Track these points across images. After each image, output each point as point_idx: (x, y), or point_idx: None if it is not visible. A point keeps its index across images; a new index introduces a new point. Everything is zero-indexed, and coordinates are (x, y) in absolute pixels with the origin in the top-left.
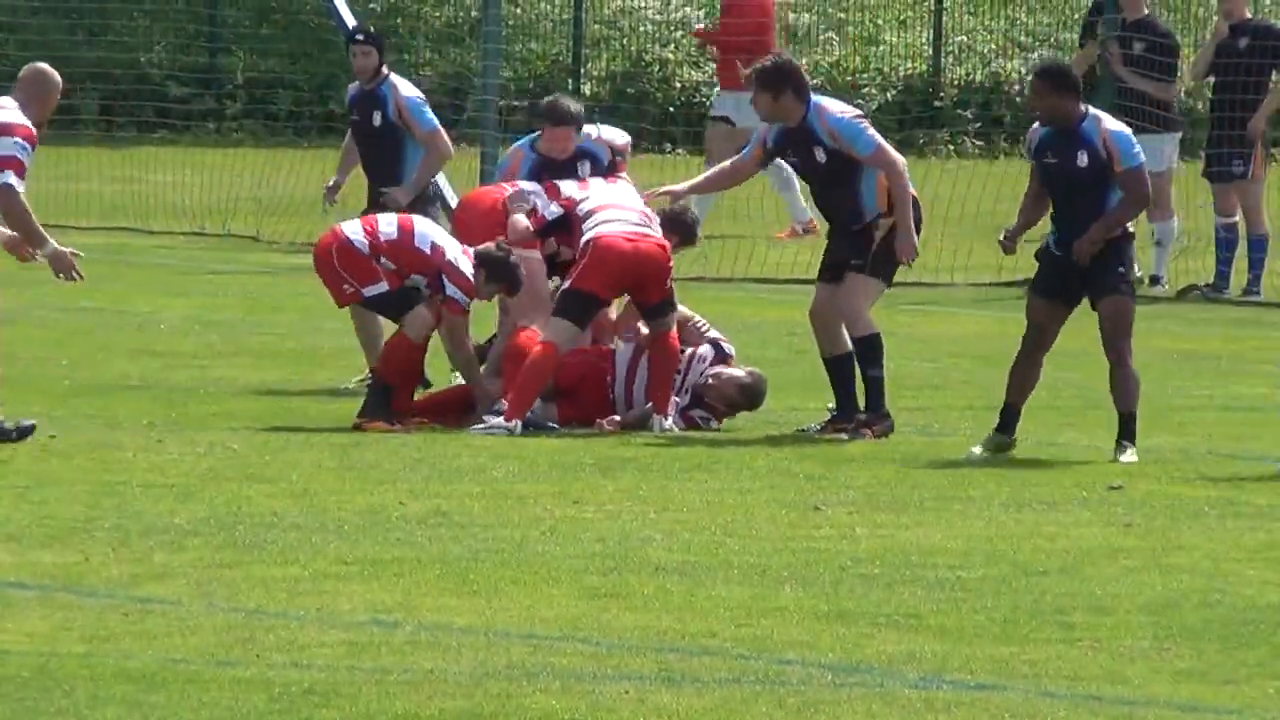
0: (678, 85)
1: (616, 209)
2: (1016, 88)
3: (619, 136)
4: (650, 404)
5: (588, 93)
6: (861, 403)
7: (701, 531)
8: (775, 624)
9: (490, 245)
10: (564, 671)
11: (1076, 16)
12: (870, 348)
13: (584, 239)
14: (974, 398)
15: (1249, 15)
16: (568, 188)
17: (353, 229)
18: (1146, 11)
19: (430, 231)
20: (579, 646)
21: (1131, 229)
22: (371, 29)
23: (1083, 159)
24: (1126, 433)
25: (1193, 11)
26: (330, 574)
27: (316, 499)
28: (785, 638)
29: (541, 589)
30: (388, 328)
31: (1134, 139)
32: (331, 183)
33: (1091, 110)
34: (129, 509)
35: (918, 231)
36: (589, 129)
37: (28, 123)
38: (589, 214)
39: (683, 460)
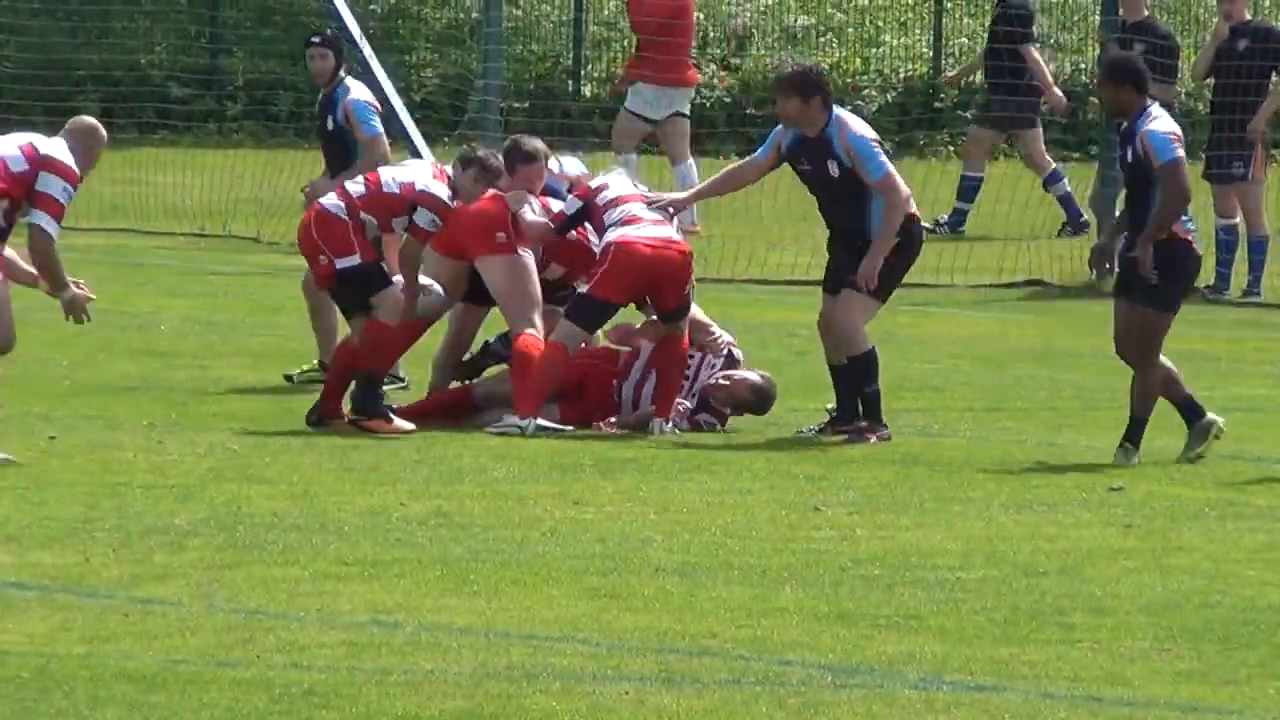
0: None
1: (639, 203)
2: None
3: (575, 167)
4: (652, 407)
5: (588, 94)
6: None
7: (701, 532)
8: (775, 625)
9: (468, 148)
10: (564, 672)
11: (1075, 19)
12: (866, 365)
13: (606, 239)
14: (974, 399)
15: (1249, 17)
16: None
17: (328, 199)
18: (1146, 13)
19: (395, 173)
20: (579, 647)
21: (1192, 238)
22: (328, 31)
23: (1129, 156)
24: (1131, 435)
25: (1193, 13)
26: (331, 575)
27: (317, 500)
28: (785, 638)
29: (542, 590)
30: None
31: (1169, 135)
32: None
33: (1150, 107)
34: (129, 510)
35: (916, 257)
36: (552, 163)
37: (74, 167)
38: (611, 204)
39: (683, 461)
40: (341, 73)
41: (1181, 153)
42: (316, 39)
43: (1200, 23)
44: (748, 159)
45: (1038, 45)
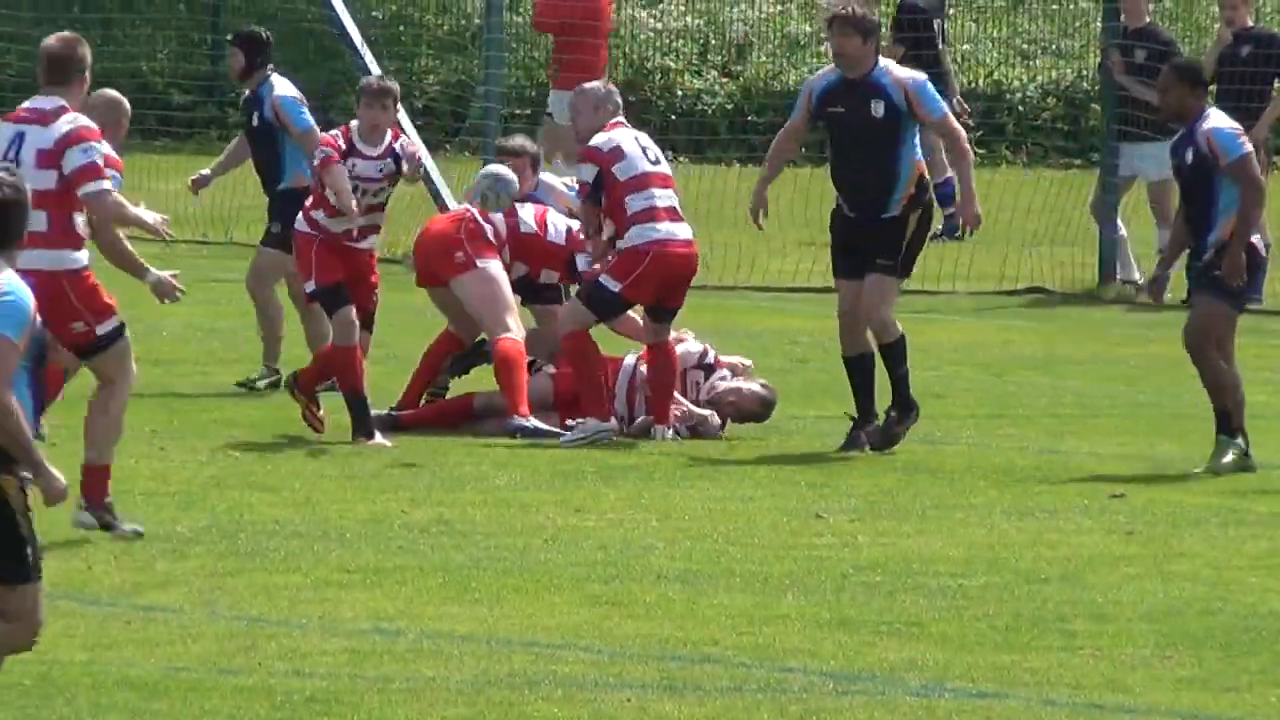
0: (679, 93)
1: (662, 188)
2: (1019, 95)
3: (558, 182)
4: (648, 417)
5: None
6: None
7: (703, 539)
8: (777, 632)
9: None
10: (566, 679)
11: (1077, 25)
12: (899, 349)
13: (638, 240)
14: (975, 406)
15: (1251, 23)
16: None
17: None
18: (1148, 20)
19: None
20: (581, 654)
21: (1261, 242)
22: (243, 29)
23: (1190, 158)
24: (1222, 426)
25: (1194, 19)
26: (332, 582)
27: (319, 507)
28: (787, 645)
29: (543, 597)
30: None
31: (1234, 131)
32: (197, 175)
33: (1209, 109)
34: (132, 517)
35: (926, 237)
36: (543, 176)
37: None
38: (634, 184)
39: (684, 468)
40: (268, 70)
41: (1250, 147)
42: (230, 36)
43: (1202, 29)
44: (788, 123)
45: (948, 47)
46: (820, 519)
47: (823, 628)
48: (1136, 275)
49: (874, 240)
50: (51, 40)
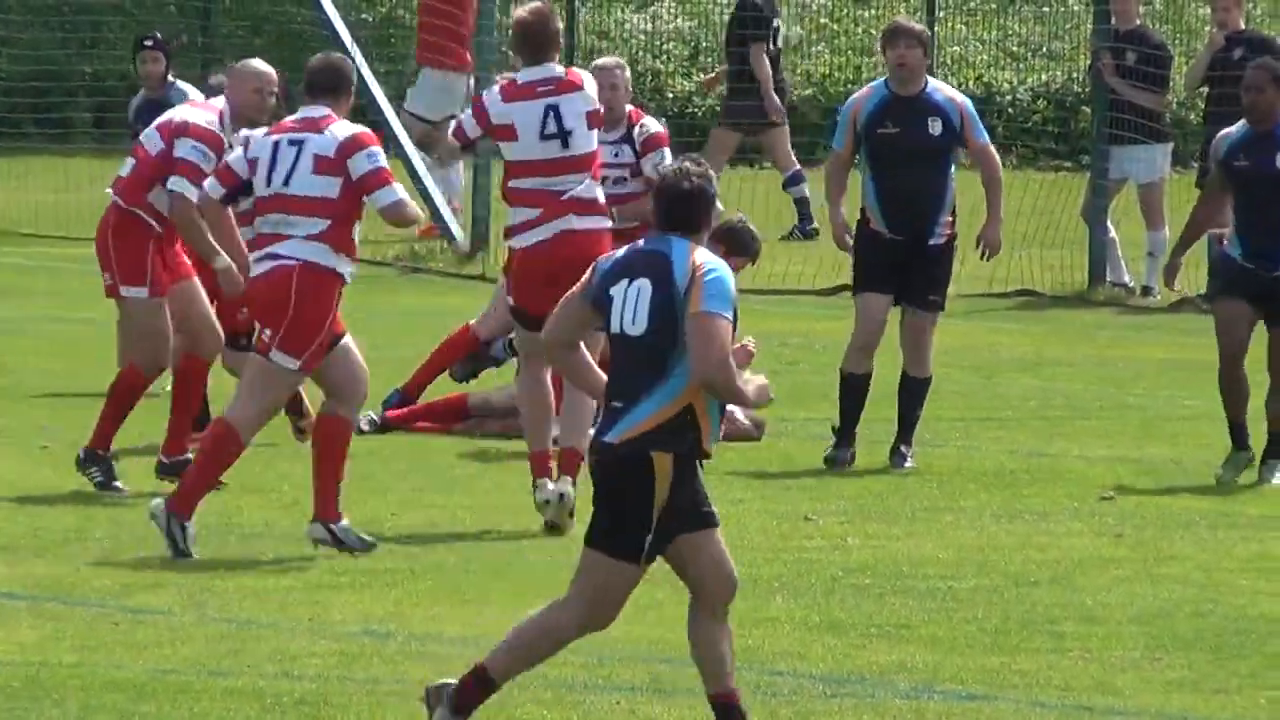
0: (670, 95)
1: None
2: (1009, 98)
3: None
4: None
5: None
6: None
7: None
8: (766, 634)
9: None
10: (556, 682)
11: (1067, 27)
12: (926, 388)
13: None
14: (965, 409)
15: (1244, 26)
16: None
17: None
18: (1139, 22)
19: None
20: (570, 657)
21: None
22: (159, 35)
23: (1278, 162)
24: (1274, 451)
25: (1185, 22)
26: (322, 584)
27: (308, 510)
28: (777, 648)
29: (532, 599)
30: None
31: None
32: None
33: None
34: (121, 519)
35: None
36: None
37: (206, 124)
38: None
39: None
40: (171, 76)
41: None
42: (149, 42)
43: (1193, 31)
44: (833, 154)
45: (776, 46)
46: (810, 521)
47: (812, 630)
48: (1127, 278)
49: (922, 274)
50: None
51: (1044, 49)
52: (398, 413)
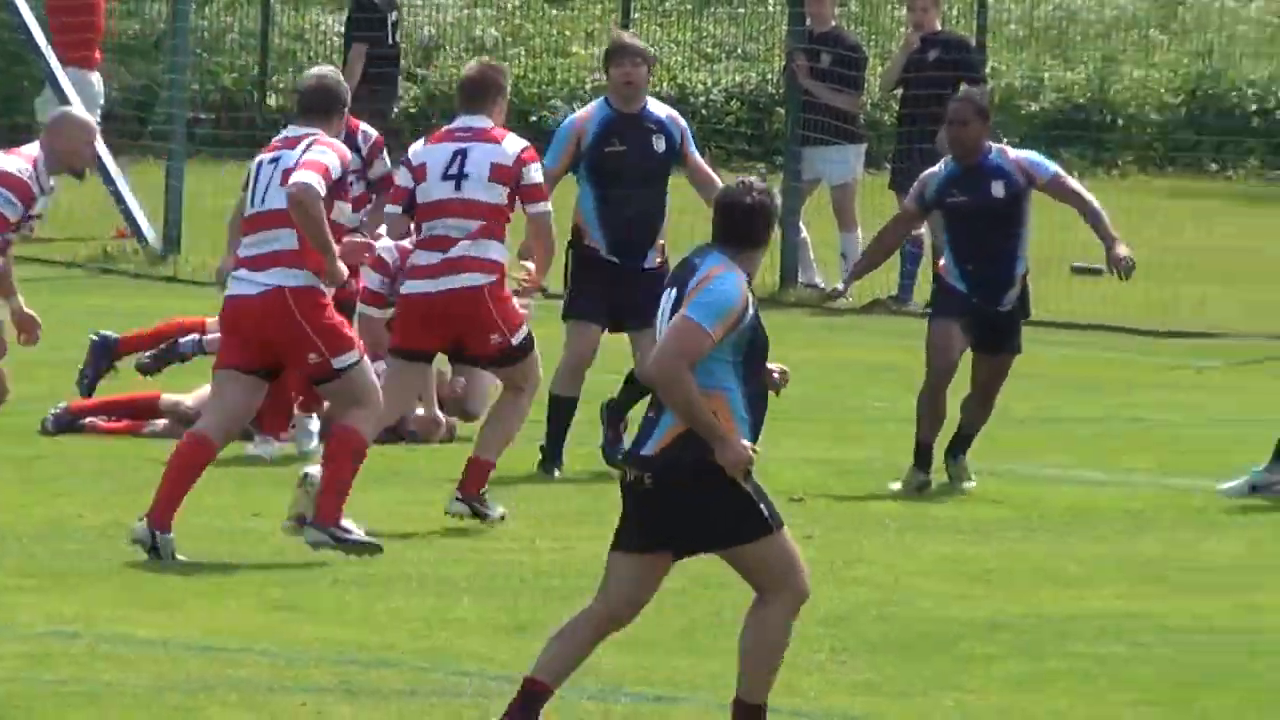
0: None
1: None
2: (703, 99)
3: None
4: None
5: (273, 104)
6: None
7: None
8: (453, 635)
9: None
10: (242, 684)
11: (762, 28)
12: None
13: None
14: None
15: (939, 27)
16: None
17: None
18: (834, 23)
19: None
20: (258, 658)
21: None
22: None
23: (999, 190)
24: (961, 445)
25: (880, 23)
26: (8, 586)
27: None
28: (463, 649)
29: (222, 601)
30: None
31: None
32: None
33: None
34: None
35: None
36: None
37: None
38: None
39: (371, 471)
40: None
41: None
42: None
43: (887, 32)
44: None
45: (396, 41)
46: (503, 522)
47: (499, 632)
48: (818, 279)
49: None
50: (472, 68)
51: (739, 50)
52: (87, 403)
